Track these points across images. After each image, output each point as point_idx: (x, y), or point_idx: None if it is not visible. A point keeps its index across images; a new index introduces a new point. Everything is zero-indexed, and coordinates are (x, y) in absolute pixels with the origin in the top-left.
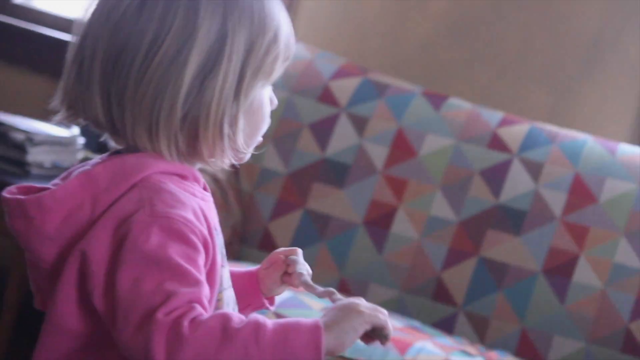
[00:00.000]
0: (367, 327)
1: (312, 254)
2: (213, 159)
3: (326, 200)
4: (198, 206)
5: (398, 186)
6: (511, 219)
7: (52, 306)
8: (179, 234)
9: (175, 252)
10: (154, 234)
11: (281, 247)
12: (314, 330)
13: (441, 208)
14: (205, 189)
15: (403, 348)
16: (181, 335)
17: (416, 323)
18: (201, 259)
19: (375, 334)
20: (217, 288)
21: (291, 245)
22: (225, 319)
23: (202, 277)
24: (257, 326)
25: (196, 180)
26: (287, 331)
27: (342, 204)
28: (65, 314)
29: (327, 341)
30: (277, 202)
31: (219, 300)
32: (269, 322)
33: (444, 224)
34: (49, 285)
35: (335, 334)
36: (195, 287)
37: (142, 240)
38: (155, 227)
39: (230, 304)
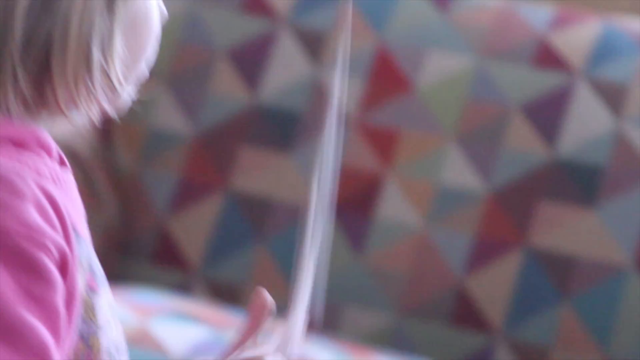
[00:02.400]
0: None
1: (245, 263)
2: (73, 107)
3: (262, 174)
4: (45, 193)
5: (383, 141)
6: (578, 182)
7: None
8: (15, 256)
9: (11, 293)
10: None
11: (191, 255)
12: None
13: (458, 172)
14: (61, 162)
15: None
16: None
17: None
18: (54, 291)
19: None
20: (76, 328)
21: (209, 254)
22: None
23: (58, 322)
24: None
25: (43, 147)
26: None
27: (290, 179)
28: None
29: None
30: (179, 184)
31: (91, 347)
32: None
33: (466, 198)
34: None
35: None
36: (43, 357)
37: None
38: None
39: (112, 352)
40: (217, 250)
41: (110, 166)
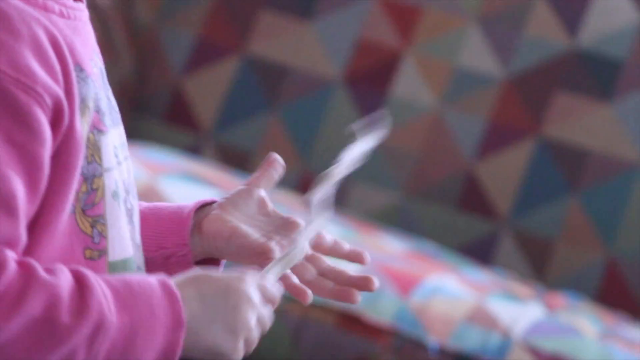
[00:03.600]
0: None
1: (257, 130)
2: None
3: (281, 39)
4: (46, 32)
5: (404, 17)
6: (596, 75)
7: None
8: (1, 99)
9: None
10: None
11: (203, 117)
12: (174, 334)
13: (477, 55)
14: None
15: (406, 286)
16: None
17: (430, 246)
18: (38, 142)
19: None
20: (79, 168)
21: (221, 117)
22: (53, 303)
23: (38, 175)
24: (99, 326)
25: None
26: (135, 334)
27: (309, 47)
28: None
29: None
30: (197, 44)
31: (95, 189)
32: (112, 313)
33: (482, 81)
34: None
35: (197, 337)
36: (9, 208)
37: None
38: None
39: (120, 194)
40: (230, 115)
41: (129, 20)
